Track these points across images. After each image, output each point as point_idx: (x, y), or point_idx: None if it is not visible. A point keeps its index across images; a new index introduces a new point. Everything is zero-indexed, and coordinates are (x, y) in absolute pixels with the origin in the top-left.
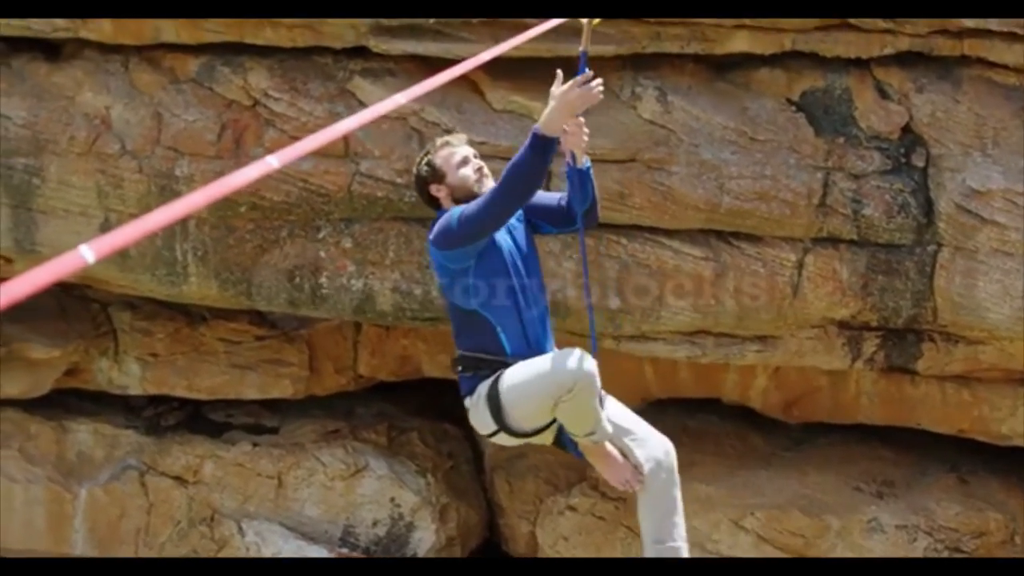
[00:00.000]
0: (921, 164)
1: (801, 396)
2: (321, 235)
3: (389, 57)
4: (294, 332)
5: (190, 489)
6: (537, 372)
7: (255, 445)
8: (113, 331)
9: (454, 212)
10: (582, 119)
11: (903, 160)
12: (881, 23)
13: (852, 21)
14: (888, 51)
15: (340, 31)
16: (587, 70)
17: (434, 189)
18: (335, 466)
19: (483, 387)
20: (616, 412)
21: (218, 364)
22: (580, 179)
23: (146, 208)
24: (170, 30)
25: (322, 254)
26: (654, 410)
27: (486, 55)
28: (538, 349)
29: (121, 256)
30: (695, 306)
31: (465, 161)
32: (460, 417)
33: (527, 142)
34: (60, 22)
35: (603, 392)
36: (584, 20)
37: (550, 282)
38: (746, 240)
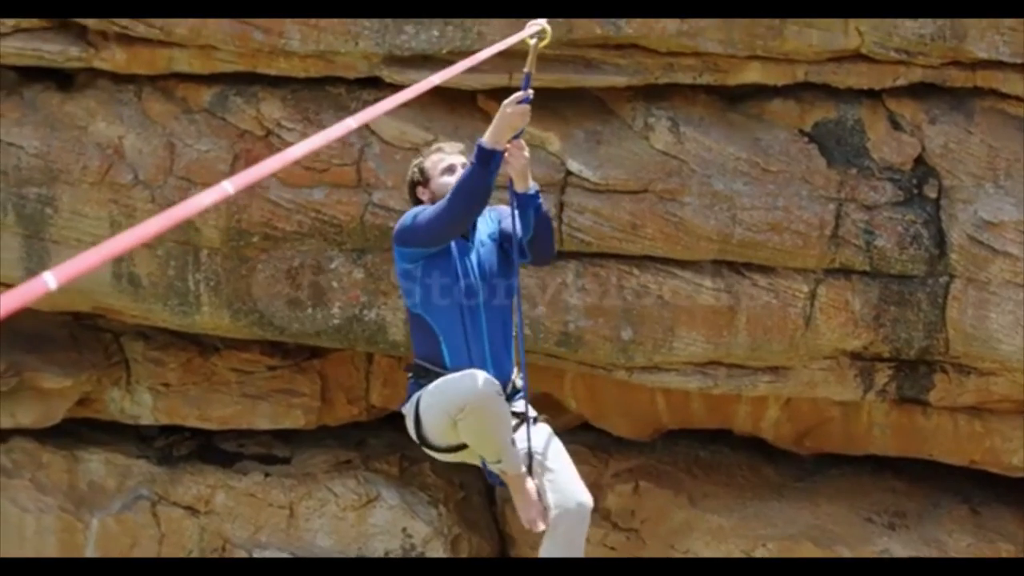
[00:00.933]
0: (933, 195)
1: (813, 427)
2: (333, 265)
3: (402, 87)
4: (306, 362)
5: (202, 519)
6: (440, 388)
7: (267, 475)
8: (125, 361)
9: (416, 211)
10: (522, 142)
11: (915, 191)
12: (894, 54)
13: (865, 52)
14: (901, 82)
15: (353, 61)
16: (530, 90)
17: (419, 191)
18: (347, 496)
19: (415, 396)
20: (550, 452)
21: (230, 394)
22: (520, 204)
23: (159, 239)
24: (183, 60)
25: (334, 284)
26: (666, 441)
27: (435, 78)
28: (481, 367)
29: (133, 286)
30: (707, 337)
31: (450, 169)
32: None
33: (472, 155)
34: (73, 52)
35: (545, 428)
36: (531, 40)
37: (559, 314)
38: (758, 271)
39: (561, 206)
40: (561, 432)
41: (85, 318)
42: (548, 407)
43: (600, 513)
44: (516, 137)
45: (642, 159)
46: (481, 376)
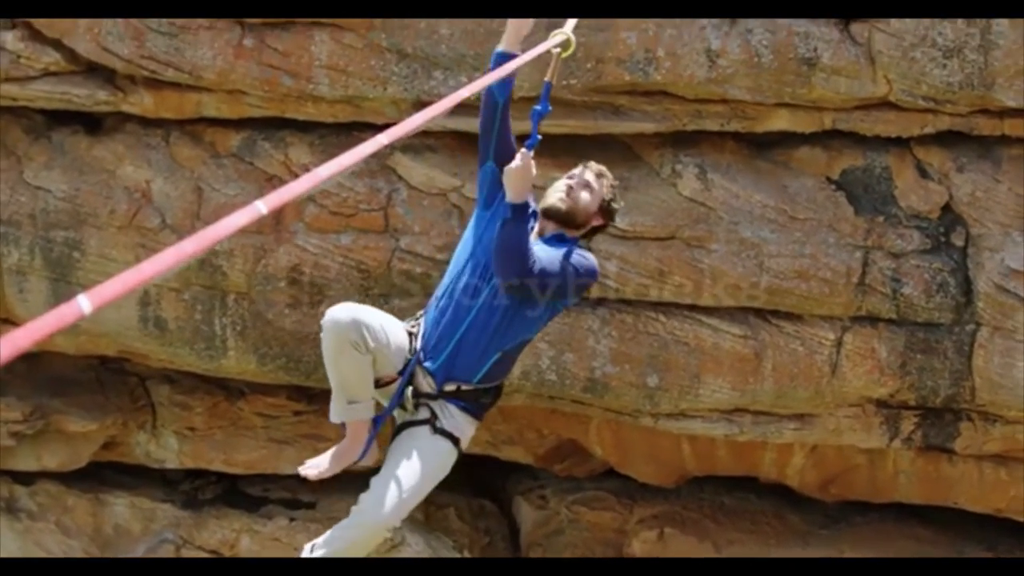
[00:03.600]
0: (960, 243)
1: (838, 474)
2: None
3: (430, 133)
4: None
5: None
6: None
7: (292, 520)
8: (151, 405)
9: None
10: (528, 156)
11: (942, 239)
12: (922, 102)
13: (893, 100)
14: (928, 130)
15: (381, 107)
16: (548, 105)
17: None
18: None
19: None
20: (408, 456)
21: (256, 438)
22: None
23: (186, 283)
24: (211, 104)
25: None
26: (692, 487)
27: (463, 91)
28: (433, 354)
29: (160, 330)
30: (733, 384)
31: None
32: (497, 493)
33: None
34: (101, 95)
35: (442, 442)
36: (555, 50)
37: (585, 360)
38: (785, 318)
39: (589, 250)
40: (586, 478)
41: (111, 361)
42: (573, 453)
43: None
44: (531, 147)
45: (669, 206)
46: (346, 306)
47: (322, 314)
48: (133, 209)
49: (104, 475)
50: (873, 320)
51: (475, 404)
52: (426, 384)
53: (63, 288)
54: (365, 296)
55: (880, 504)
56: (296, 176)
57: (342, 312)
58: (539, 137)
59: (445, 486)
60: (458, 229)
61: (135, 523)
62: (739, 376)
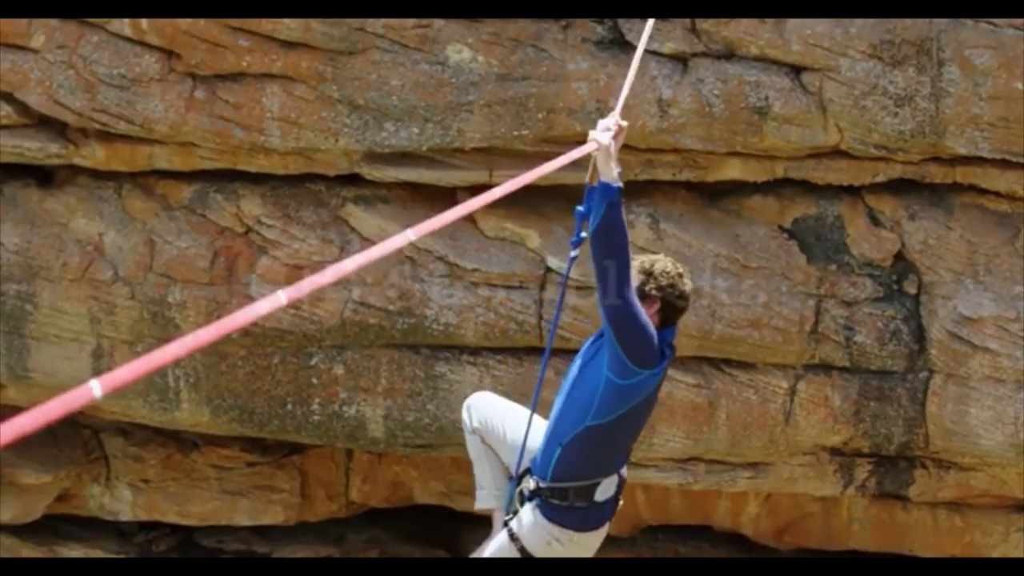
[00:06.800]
0: (913, 291)
1: (793, 522)
2: (313, 362)
3: (382, 184)
4: (285, 458)
5: None
6: None
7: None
8: (105, 457)
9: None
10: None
11: (895, 287)
12: (873, 150)
13: (844, 148)
14: (880, 178)
15: (333, 158)
16: (591, 206)
17: None
18: None
19: None
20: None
21: (210, 490)
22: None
23: (139, 335)
24: (162, 157)
25: (314, 381)
26: (646, 537)
27: (547, 167)
28: (534, 460)
29: None
30: (687, 433)
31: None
32: (452, 545)
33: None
34: (53, 148)
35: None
36: (595, 154)
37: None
38: (738, 367)
39: (541, 302)
40: None
41: (64, 414)
42: None
43: None
44: (575, 245)
45: None
46: (476, 393)
47: (275, 366)
48: (86, 262)
49: (58, 527)
50: (826, 368)
51: (547, 505)
52: (527, 483)
53: (16, 341)
54: (318, 347)
55: (835, 552)
56: (248, 228)
57: (470, 396)
58: (584, 235)
59: (400, 536)
60: (410, 280)
61: None
62: (693, 425)
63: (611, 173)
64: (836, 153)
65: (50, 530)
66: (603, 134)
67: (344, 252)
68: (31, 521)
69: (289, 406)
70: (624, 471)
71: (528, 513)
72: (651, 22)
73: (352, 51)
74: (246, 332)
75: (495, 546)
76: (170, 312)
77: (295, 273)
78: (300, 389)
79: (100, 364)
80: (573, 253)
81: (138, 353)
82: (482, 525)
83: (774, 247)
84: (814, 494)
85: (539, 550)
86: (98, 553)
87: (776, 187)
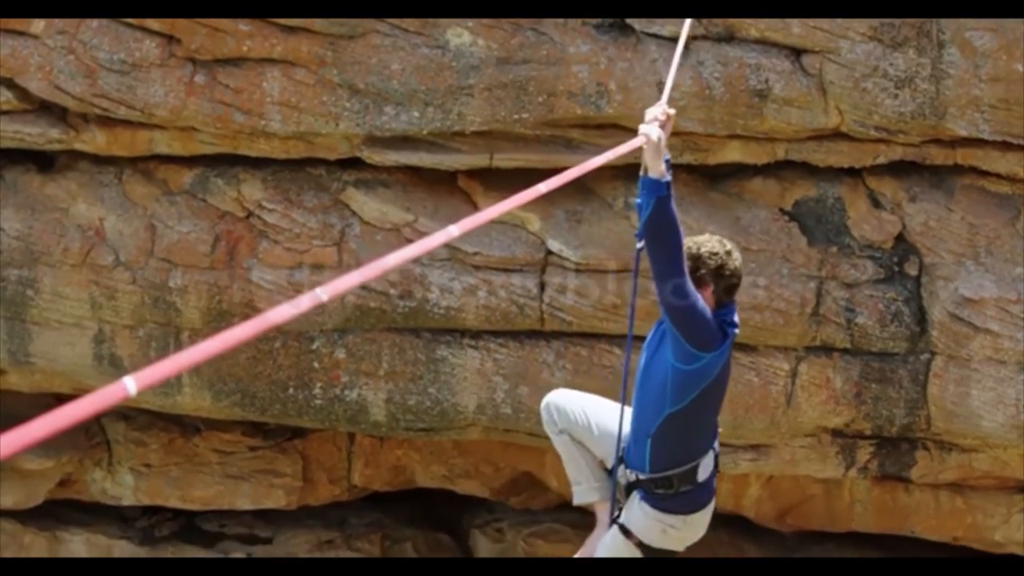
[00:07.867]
0: (914, 273)
1: (795, 505)
2: (315, 346)
3: (382, 168)
4: (287, 442)
5: None
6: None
7: (249, 555)
8: (107, 442)
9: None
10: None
11: (896, 269)
12: (874, 132)
13: (845, 130)
14: (881, 160)
15: (333, 142)
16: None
17: None
18: None
19: None
20: (598, 545)
21: (212, 475)
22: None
23: (140, 320)
24: (163, 142)
25: (315, 365)
26: None
27: (593, 162)
28: (626, 451)
29: (115, 367)
30: None
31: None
32: (454, 527)
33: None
34: (54, 134)
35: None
36: (645, 146)
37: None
38: (740, 349)
39: (542, 286)
40: (543, 511)
41: (66, 399)
42: (530, 486)
43: None
44: (640, 237)
45: (623, 238)
46: (552, 392)
47: (277, 350)
48: (87, 247)
49: (60, 513)
50: (828, 350)
51: (653, 496)
52: (624, 475)
53: (17, 326)
54: (320, 331)
55: (836, 534)
56: (249, 212)
57: (546, 397)
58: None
59: (403, 520)
60: (411, 264)
61: None
62: None
63: (659, 167)
64: (837, 135)
65: (52, 515)
66: (652, 127)
67: (345, 236)
68: (33, 506)
69: (291, 390)
70: (717, 445)
71: (636, 509)
72: (688, 22)
73: (352, 35)
74: (247, 316)
75: (609, 545)
76: (171, 297)
77: (296, 257)
78: (302, 373)
79: (101, 349)
80: (640, 244)
81: (139, 338)
82: (484, 508)
83: (775, 229)
84: (816, 476)
85: (656, 540)
86: (100, 538)
87: (777, 169)
